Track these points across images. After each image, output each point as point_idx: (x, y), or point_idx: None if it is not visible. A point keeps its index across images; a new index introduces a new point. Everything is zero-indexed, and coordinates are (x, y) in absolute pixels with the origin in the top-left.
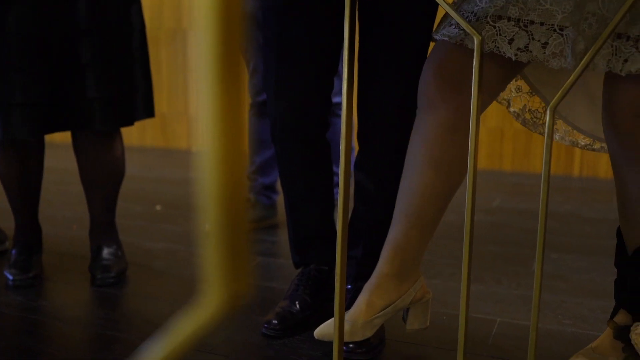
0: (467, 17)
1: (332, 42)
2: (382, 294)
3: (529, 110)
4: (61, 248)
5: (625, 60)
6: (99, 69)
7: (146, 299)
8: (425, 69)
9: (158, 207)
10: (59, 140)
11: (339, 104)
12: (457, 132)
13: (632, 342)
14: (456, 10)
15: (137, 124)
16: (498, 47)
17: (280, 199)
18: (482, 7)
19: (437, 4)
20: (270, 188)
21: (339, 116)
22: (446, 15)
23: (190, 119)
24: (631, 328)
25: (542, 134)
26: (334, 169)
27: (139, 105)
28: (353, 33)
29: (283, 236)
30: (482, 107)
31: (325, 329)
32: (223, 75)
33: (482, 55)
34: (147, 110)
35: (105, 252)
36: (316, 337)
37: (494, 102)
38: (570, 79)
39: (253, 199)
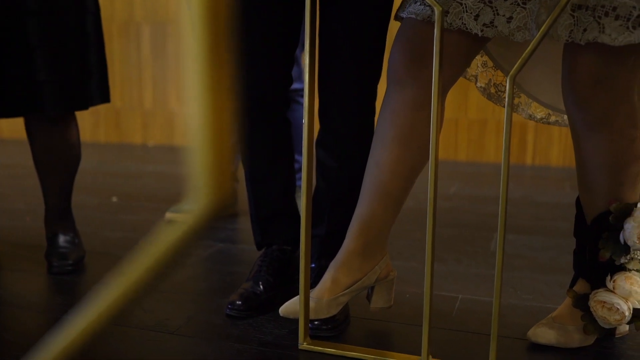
0: None
1: (294, 16)
2: (348, 271)
3: (494, 84)
4: (15, 239)
5: (585, 30)
6: (49, 51)
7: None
8: (393, 46)
9: (114, 199)
10: (8, 136)
11: (299, 90)
12: (424, 109)
13: (591, 309)
14: None
15: (90, 119)
16: (464, 24)
17: (241, 187)
18: None
19: None
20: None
21: (299, 102)
22: None
23: (145, 113)
24: (590, 296)
25: (504, 106)
26: (296, 156)
27: (93, 89)
28: (314, 10)
29: (243, 224)
30: (449, 82)
31: (290, 307)
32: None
33: (443, 27)
34: (102, 96)
35: (62, 239)
36: (281, 315)
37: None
38: (528, 48)
39: None
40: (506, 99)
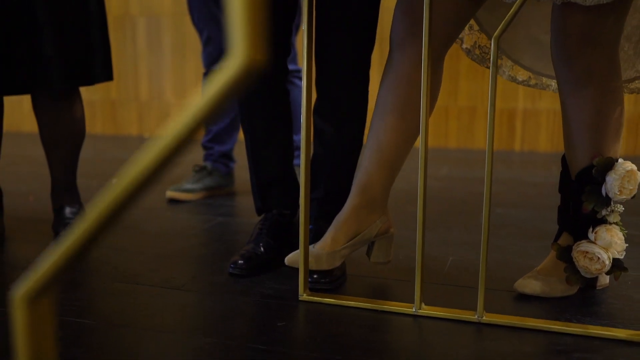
0: None
1: None
2: (351, 225)
3: (479, 46)
4: (21, 214)
5: None
6: (56, 28)
7: (112, 252)
8: (395, 12)
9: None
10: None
11: (295, 71)
12: (419, 71)
13: (574, 260)
14: None
15: (86, 111)
16: None
17: (237, 167)
18: None
19: None
20: (226, 156)
21: (294, 84)
22: None
23: (141, 104)
24: (573, 247)
25: (488, 67)
26: (294, 137)
27: (97, 66)
28: None
29: (242, 202)
30: (447, 41)
31: (294, 257)
32: None
33: None
34: (106, 73)
35: (68, 210)
36: (286, 263)
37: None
38: (511, 11)
39: (210, 167)
40: (491, 59)
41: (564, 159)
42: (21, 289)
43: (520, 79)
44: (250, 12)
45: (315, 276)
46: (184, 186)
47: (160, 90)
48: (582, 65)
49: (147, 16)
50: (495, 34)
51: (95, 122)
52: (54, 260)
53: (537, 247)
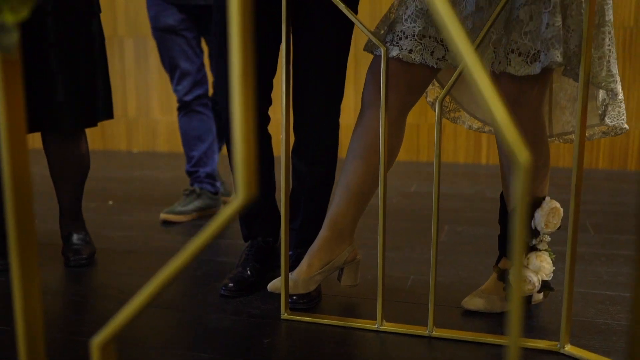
0: (398, 35)
1: (271, 48)
2: (322, 254)
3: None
4: None
5: (499, 63)
6: (67, 77)
7: (117, 275)
8: (366, 76)
9: (110, 202)
10: None
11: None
12: (390, 126)
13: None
14: (389, 30)
15: None
16: (424, 59)
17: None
18: (409, 27)
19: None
20: (211, 176)
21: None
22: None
23: (129, 121)
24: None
25: (448, 119)
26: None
27: (100, 107)
28: (289, 42)
29: (230, 224)
30: (410, 104)
31: (276, 284)
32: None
33: (387, 60)
34: (107, 112)
35: (75, 237)
36: (269, 290)
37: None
38: (452, 78)
39: (198, 189)
40: (436, 117)
41: (502, 196)
42: (98, 338)
43: (475, 127)
44: (248, 161)
45: (294, 297)
46: (176, 209)
47: (148, 107)
48: (513, 122)
49: (134, 37)
50: (439, 98)
51: None
52: (123, 317)
53: (487, 265)
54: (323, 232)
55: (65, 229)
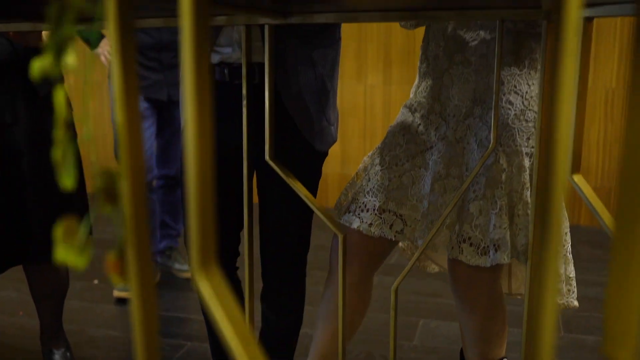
0: (360, 207)
1: (239, 206)
2: None
3: (410, 249)
4: (12, 340)
5: (452, 248)
6: (43, 211)
7: None
8: (332, 241)
9: (95, 282)
10: None
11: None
12: (355, 290)
13: None
14: (352, 198)
15: None
16: (383, 232)
17: None
18: (370, 201)
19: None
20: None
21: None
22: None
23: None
24: None
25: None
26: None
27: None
28: (251, 209)
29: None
30: (373, 269)
31: None
32: None
33: (345, 247)
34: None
35: (56, 355)
36: None
37: None
38: (409, 264)
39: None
40: (390, 306)
41: (461, 353)
42: None
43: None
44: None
45: None
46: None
47: None
48: (469, 299)
49: None
50: (393, 286)
51: None
52: None
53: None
54: None
55: (46, 345)
